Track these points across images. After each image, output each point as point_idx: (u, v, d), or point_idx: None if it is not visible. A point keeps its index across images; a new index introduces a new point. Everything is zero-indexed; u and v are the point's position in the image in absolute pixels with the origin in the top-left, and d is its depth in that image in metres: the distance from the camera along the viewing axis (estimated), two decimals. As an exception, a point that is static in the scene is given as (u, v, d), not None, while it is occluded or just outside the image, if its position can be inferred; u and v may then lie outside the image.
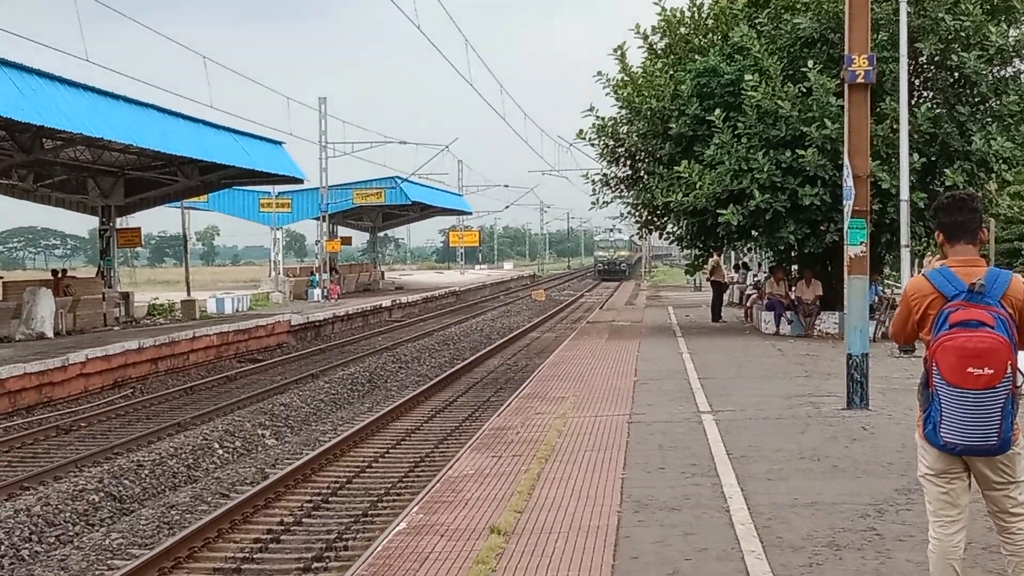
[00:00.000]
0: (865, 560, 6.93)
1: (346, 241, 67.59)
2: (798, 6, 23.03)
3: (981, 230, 5.46)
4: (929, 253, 24.43)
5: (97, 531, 12.08)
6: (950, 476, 5.33)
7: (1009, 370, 5.13)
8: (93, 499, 13.05)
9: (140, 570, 9.98)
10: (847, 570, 6.75)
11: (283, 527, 11.83)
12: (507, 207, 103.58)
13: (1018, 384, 5.21)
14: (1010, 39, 22.87)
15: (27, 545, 11.35)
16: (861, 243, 13.37)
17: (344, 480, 14.12)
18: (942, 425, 5.20)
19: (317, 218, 51.71)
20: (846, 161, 13.59)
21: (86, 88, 25.01)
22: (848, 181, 13.48)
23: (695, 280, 50.69)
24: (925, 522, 5.54)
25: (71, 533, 11.92)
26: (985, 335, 5.12)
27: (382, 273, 71.98)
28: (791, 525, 7.79)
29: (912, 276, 10.30)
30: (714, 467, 9.90)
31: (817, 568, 6.79)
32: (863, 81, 13.42)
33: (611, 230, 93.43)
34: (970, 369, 5.11)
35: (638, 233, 35.96)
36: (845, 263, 13.59)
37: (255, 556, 10.83)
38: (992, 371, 5.09)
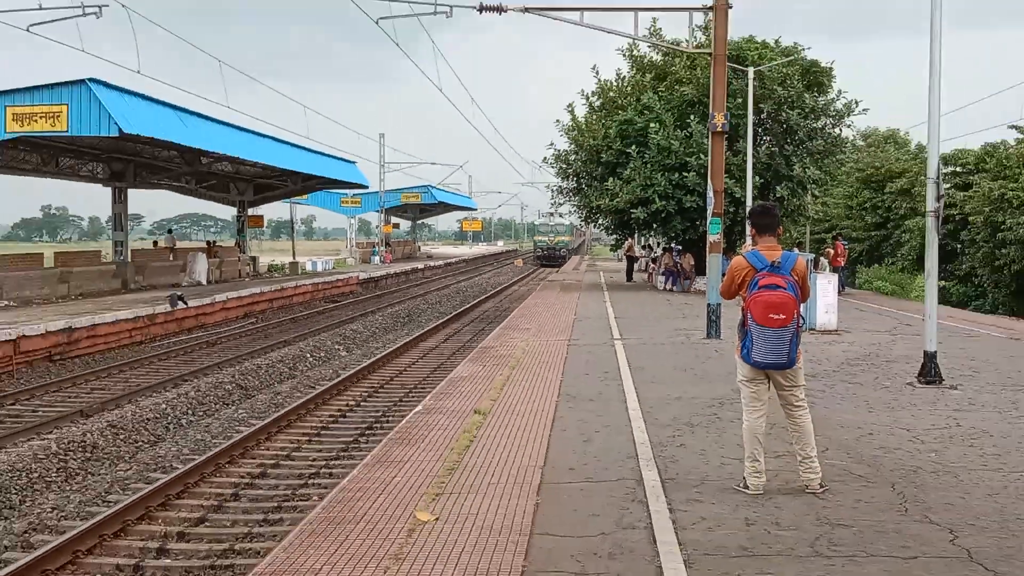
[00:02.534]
0: (708, 433, 7.02)
1: (396, 226, 66.88)
2: (684, 80, 22.96)
3: (779, 227, 5.50)
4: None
5: (229, 408, 12.14)
6: (757, 382, 5.42)
7: (796, 316, 5.22)
8: (227, 388, 13.10)
9: (256, 433, 10.06)
10: (697, 437, 6.83)
11: (348, 407, 11.90)
12: (500, 206, 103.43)
13: (800, 325, 5.29)
14: (819, 103, 22.93)
15: (185, 417, 11.42)
16: (717, 234, 13.42)
17: (388, 378, 14.17)
18: (753, 350, 5.28)
19: (377, 211, 51.40)
20: (709, 181, 13.61)
21: (227, 124, 24.70)
22: (709, 193, 13.49)
23: (617, 255, 50.53)
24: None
25: (212, 409, 11.99)
26: (781, 294, 5.19)
27: (419, 247, 71.59)
28: (664, 411, 7.87)
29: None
30: (619, 375, 9.95)
31: (678, 437, 6.88)
32: (720, 130, 13.42)
33: (551, 214, 60.28)
34: (771, 315, 5.17)
35: (582, 222, 35.52)
36: (707, 246, 13.65)
37: (330, 425, 10.92)
38: (784, 316, 5.16)
